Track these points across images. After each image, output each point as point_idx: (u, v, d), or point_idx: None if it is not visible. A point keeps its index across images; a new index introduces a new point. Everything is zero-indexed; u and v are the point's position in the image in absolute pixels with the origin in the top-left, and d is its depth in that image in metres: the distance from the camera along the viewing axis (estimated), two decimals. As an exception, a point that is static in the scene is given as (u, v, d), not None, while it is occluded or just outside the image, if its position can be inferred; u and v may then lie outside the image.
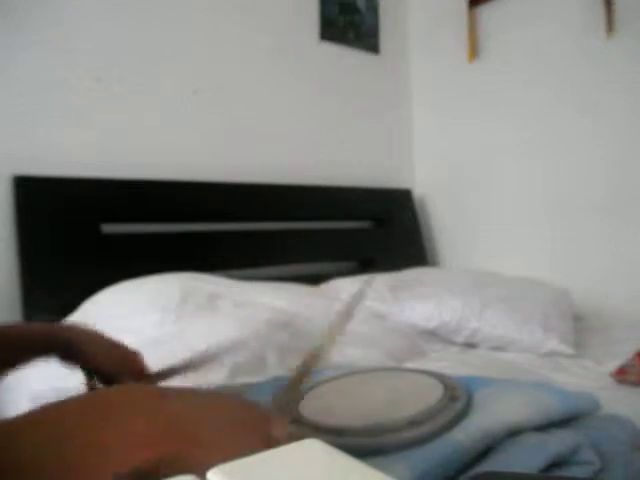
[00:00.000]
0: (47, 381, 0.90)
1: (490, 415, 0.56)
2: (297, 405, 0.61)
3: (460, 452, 0.50)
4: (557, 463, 0.52)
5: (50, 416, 0.34)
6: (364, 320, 1.35)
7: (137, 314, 1.17)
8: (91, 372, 0.59)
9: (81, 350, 0.58)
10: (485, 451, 0.53)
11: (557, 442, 0.53)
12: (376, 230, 2.10)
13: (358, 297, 0.66)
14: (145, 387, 0.39)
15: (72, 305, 1.26)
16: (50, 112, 1.43)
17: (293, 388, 0.54)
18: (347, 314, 0.59)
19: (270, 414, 0.39)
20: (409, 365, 1.12)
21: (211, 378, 0.89)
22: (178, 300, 1.20)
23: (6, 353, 0.56)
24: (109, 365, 0.58)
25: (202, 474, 0.30)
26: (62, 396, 0.35)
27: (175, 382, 0.64)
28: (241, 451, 0.31)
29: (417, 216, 2.21)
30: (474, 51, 2.08)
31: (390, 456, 0.50)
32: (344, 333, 0.57)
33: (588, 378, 1.09)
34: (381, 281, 1.58)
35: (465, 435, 0.52)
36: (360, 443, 0.51)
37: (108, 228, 1.46)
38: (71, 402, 0.35)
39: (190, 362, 0.69)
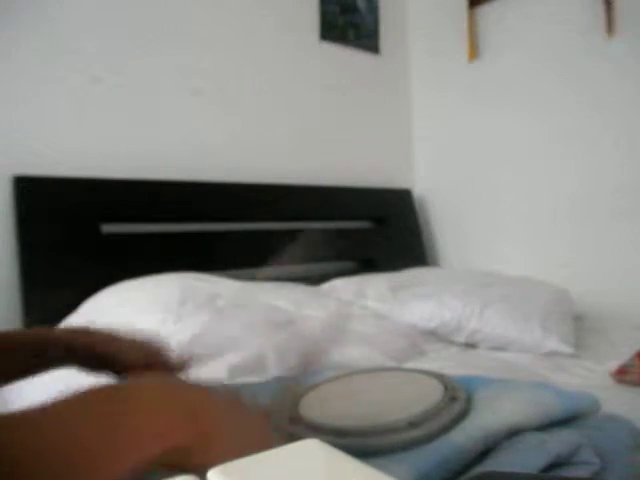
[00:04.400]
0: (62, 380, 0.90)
1: (490, 415, 0.56)
2: (297, 406, 0.61)
3: (460, 452, 0.50)
4: (557, 463, 0.52)
5: (61, 408, 0.33)
6: (364, 320, 1.35)
7: (137, 314, 1.17)
8: (117, 372, 0.57)
9: (102, 352, 0.56)
10: (485, 451, 0.53)
11: (557, 442, 0.53)
12: (376, 230, 2.10)
13: None
14: (162, 379, 0.39)
15: (72, 305, 1.26)
16: (50, 112, 1.43)
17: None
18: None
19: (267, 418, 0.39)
20: (409, 365, 1.12)
21: (211, 378, 0.88)
22: (178, 300, 1.20)
23: (21, 359, 0.54)
24: (136, 360, 0.56)
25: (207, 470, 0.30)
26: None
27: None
28: (251, 448, 0.31)
29: (417, 216, 2.21)
30: (474, 51, 2.08)
31: (390, 456, 0.50)
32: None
33: (588, 378, 1.09)
34: (381, 281, 1.58)
35: (465, 435, 0.52)
36: (360, 443, 0.51)
37: (108, 228, 1.46)
38: (85, 394, 0.35)
39: (191, 361, 0.69)
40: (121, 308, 1.20)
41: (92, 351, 0.56)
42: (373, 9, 2.19)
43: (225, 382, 0.91)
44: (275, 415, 0.56)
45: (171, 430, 0.33)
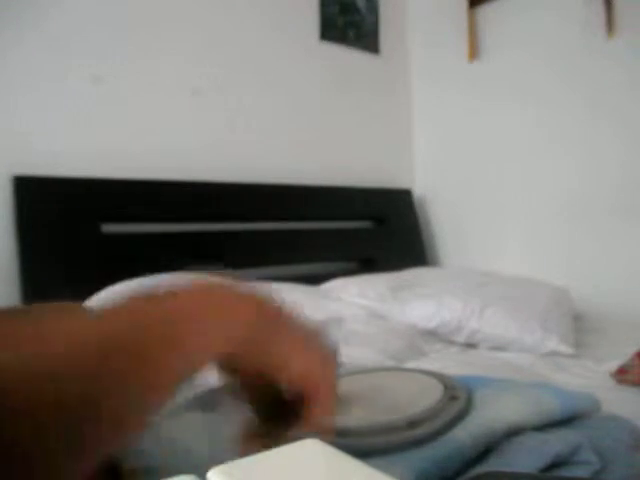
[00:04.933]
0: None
1: (490, 415, 0.56)
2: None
3: (460, 452, 0.50)
4: (557, 463, 0.52)
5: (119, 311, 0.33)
6: (364, 320, 1.35)
7: (137, 314, 1.17)
8: None
9: None
10: (485, 451, 0.53)
11: (557, 442, 0.53)
12: (376, 230, 2.10)
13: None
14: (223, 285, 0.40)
15: (72, 305, 1.26)
16: (50, 112, 1.43)
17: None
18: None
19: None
20: (409, 365, 1.12)
21: (210, 378, 0.88)
22: (178, 300, 1.19)
23: None
24: None
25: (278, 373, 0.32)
26: None
27: None
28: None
29: (417, 216, 2.21)
30: (474, 51, 2.08)
31: (390, 456, 0.50)
32: None
33: (588, 378, 1.09)
34: (381, 281, 1.58)
35: (465, 435, 0.52)
36: (360, 443, 0.51)
37: (108, 228, 1.46)
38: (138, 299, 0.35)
39: None
40: (121, 308, 1.20)
41: None
42: (373, 9, 2.19)
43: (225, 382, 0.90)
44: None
45: (239, 321, 0.35)
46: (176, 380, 0.31)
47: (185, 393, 0.34)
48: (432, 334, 1.39)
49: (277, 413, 0.39)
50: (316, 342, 0.40)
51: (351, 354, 1.10)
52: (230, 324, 0.35)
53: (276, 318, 0.39)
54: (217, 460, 0.29)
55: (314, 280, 1.65)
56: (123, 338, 0.29)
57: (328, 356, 0.40)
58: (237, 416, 0.37)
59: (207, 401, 0.37)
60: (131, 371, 0.28)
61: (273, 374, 0.36)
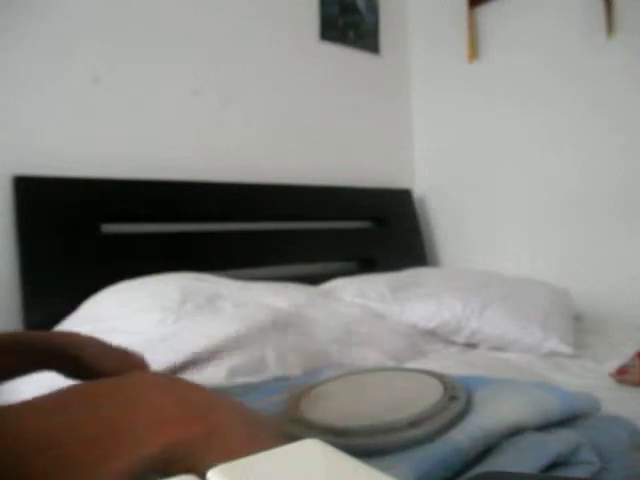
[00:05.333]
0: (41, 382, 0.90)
1: (490, 415, 0.56)
2: (297, 405, 0.61)
3: (460, 452, 0.50)
4: (557, 463, 0.52)
5: (68, 399, 0.33)
6: (364, 320, 1.35)
7: (137, 314, 1.17)
8: (88, 378, 0.57)
9: (79, 356, 0.57)
10: (485, 451, 0.53)
11: (557, 442, 0.53)
12: (376, 230, 2.10)
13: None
14: (163, 376, 0.39)
15: (72, 305, 1.26)
16: (50, 112, 1.43)
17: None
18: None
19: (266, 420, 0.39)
20: (409, 365, 1.12)
21: (210, 378, 0.89)
22: (178, 300, 1.20)
23: (5, 361, 0.55)
24: (109, 368, 0.57)
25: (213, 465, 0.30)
26: None
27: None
28: (254, 448, 0.32)
29: (417, 216, 2.21)
30: (474, 51, 2.08)
31: (390, 456, 0.50)
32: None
33: (588, 378, 1.09)
34: (381, 281, 1.58)
35: (465, 435, 0.52)
36: (360, 443, 0.51)
37: (108, 228, 1.46)
38: (92, 385, 0.35)
39: (190, 361, 0.69)
40: (121, 308, 1.20)
41: (70, 354, 0.56)
42: (373, 9, 2.19)
43: (225, 382, 0.90)
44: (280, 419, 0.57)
45: (171, 425, 0.33)
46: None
47: None
48: (432, 334, 1.39)
49: None
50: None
51: (351, 354, 1.10)
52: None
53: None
54: None
55: (314, 280, 1.64)
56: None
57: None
58: None
59: None
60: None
61: None
